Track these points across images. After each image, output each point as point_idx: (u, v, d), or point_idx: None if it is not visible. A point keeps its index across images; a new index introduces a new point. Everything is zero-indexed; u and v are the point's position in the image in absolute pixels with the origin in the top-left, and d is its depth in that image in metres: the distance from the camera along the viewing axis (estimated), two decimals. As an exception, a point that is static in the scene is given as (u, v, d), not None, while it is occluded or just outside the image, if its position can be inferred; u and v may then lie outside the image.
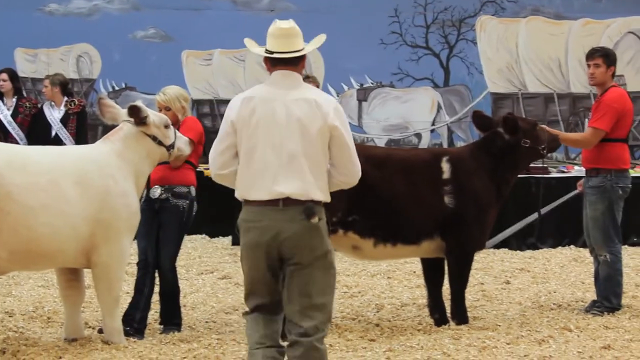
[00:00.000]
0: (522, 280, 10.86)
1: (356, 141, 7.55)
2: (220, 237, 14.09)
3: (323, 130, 5.80)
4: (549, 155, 9.37)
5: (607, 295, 9.00)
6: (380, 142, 16.58)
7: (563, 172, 14.16)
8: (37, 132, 13.17)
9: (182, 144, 8.02)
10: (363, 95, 16.81)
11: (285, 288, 5.86)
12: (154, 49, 16.53)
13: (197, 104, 16.35)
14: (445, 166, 8.48)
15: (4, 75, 13.34)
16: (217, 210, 12.51)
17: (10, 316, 8.84)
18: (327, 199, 5.92)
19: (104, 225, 7.45)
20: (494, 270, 11.56)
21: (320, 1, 16.45)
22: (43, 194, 7.20)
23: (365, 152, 7.75)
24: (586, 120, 10.04)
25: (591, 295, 9.50)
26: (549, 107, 16.78)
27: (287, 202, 5.77)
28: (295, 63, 5.93)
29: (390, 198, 8.26)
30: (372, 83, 16.82)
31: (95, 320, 8.54)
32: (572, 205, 11.61)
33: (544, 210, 12.01)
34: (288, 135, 5.79)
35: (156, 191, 8.22)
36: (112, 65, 16.50)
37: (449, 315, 8.55)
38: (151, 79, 15.53)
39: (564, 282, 10.71)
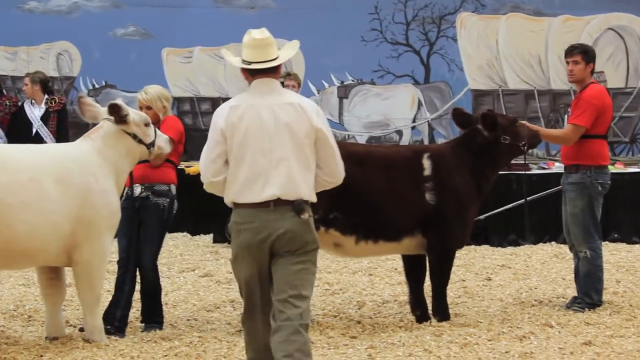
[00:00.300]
0: (503, 277, 10.87)
1: (337, 138, 7.55)
2: (202, 234, 14.07)
3: (309, 133, 5.97)
4: (529, 151, 9.38)
5: (588, 292, 9.01)
6: (361, 139, 16.60)
7: (544, 168, 14.19)
8: (18, 130, 13.12)
9: (163, 142, 8.01)
10: (344, 92, 16.82)
11: (274, 279, 5.95)
12: (134, 46, 16.49)
13: (177, 101, 16.32)
14: (426, 163, 8.48)
15: (-17, 74, 13.32)
16: (198, 208, 12.50)
17: (-10, 315, 8.83)
18: (314, 199, 6.06)
19: (85, 223, 7.43)
20: (475, 266, 11.58)
21: (300, -2, 16.47)
22: (23, 191, 7.18)
23: (346, 150, 7.72)
24: (566, 116, 10.04)
25: (572, 291, 9.52)
26: (530, 104, 16.83)
27: (278, 202, 5.91)
28: (272, 71, 6.11)
29: (371, 195, 8.28)
30: (352, 80, 16.83)
31: (77, 318, 8.52)
32: (553, 202, 11.62)
33: (530, 198, 11.95)
34: (277, 140, 5.93)
35: (136, 189, 8.21)
36: (92, 63, 16.45)
37: (430, 312, 8.57)
38: (131, 77, 15.50)
39: (545, 279, 10.74)
